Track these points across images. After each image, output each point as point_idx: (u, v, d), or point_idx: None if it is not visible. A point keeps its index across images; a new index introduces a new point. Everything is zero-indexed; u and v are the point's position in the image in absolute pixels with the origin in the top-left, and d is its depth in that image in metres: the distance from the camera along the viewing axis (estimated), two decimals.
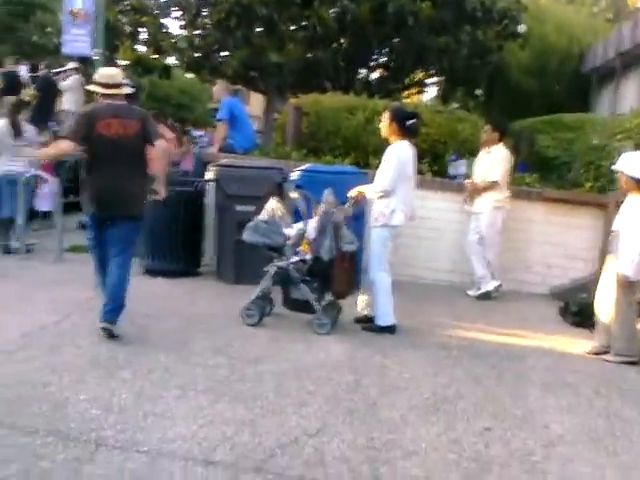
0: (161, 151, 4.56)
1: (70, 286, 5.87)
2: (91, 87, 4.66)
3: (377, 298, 5.08)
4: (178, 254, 6.47)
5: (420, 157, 6.03)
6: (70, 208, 8.06)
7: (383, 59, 13.70)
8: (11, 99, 7.71)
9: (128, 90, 4.77)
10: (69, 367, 3.92)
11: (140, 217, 4.62)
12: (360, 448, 3.13)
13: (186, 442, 3.05)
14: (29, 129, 7.30)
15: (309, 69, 11.72)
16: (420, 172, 6.65)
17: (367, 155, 7.60)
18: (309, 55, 12.00)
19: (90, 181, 4.51)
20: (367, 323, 5.14)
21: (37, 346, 4.24)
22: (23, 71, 11.40)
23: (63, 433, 3.04)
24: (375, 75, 14.17)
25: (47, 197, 8.13)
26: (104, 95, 4.51)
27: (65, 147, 4.49)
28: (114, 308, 4.48)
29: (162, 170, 4.71)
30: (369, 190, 5.17)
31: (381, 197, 5.04)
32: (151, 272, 6.46)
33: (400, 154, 5.04)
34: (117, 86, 4.54)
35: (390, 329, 5.03)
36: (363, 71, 13.58)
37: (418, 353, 4.68)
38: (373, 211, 5.15)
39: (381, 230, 5.05)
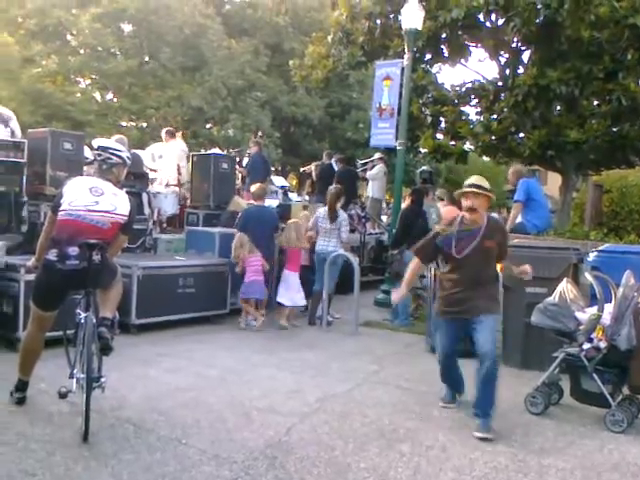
0: None
1: (362, 358, 6.29)
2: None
3: None
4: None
5: None
6: (368, 286, 8.68)
7: None
8: (332, 189, 8.69)
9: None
10: (355, 434, 4.17)
11: None
12: None
13: None
14: (340, 214, 8.10)
15: (613, 144, 10.97)
16: None
17: None
18: (614, 130, 11.24)
19: None
20: None
21: (329, 411, 4.60)
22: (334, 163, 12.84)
23: None
24: None
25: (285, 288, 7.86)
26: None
27: None
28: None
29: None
30: None
31: None
32: (436, 350, 6.55)
33: None
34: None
35: None
36: None
37: None
38: None
39: None
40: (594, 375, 4.52)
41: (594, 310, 4.70)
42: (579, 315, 4.76)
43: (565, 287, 4.91)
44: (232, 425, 4.21)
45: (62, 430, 3.94)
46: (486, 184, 4.58)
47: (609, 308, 4.64)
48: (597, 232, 7.24)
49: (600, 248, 6.05)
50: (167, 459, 3.62)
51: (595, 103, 11.48)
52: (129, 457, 3.61)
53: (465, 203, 4.55)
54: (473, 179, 4.63)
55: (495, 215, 5.09)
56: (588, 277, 5.10)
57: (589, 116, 11.14)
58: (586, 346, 4.62)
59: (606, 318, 4.62)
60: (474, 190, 4.52)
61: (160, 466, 3.53)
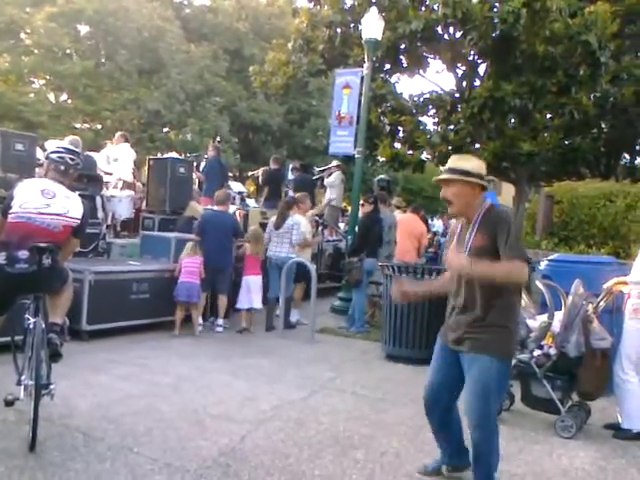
0: None
1: (318, 365, 6.28)
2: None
3: (624, 400, 4.55)
4: (419, 341, 6.54)
5: None
6: (325, 293, 8.68)
7: None
8: (286, 199, 8.76)
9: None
10: (310, 442, 4.15)
11: None
12: None
13: None
14: (289, 220, 8.10)
15: (565, 157, 11.29)
16: None
17: (628, 244, 6.99)
18: (566, 142, 11.57)
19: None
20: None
21: (284, 419, 4.57)
22: (288, 171, 12.87)
23: None
24: None
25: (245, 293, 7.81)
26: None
27: None
28: None
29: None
30: (631, 281, 4.72)
31: None
32: (391, 357, 6.63)
33: None
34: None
35: None
36: (626, 156, 12.65)
37: None
38: (632, 304, 4.68)
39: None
40: (544, 381, 4.62)
41: (544, 318, 4.80)
42: (530, 322, 4.86)
43: None
44: (185, 433, 4.14)
45: (7, 439, 3.80)
46: (466, 164, 3.36)
47: (559, 316, 4.75)
48: (548, 242, 7.43)
49: (551, 257, 6.20)
50: (117, 468, 3.54)
51: (548, 116, 11.81)
52: (78, 467, 3.51)
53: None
54: (450, 160, 3.47)
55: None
56: (539, 285, 5.23)
57: (542, 129, 11.44)
58: (536, 353, 4.72)
59: (556, 326, 4.73)
60: (443, 177, 3.40)
61: (110, 475, 3.45)
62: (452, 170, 3.37)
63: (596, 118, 11.30)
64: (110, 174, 9.94)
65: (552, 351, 4.67)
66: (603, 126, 12.12)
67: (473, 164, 3.38)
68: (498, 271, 3.12)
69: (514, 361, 4.77)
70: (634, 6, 11.13)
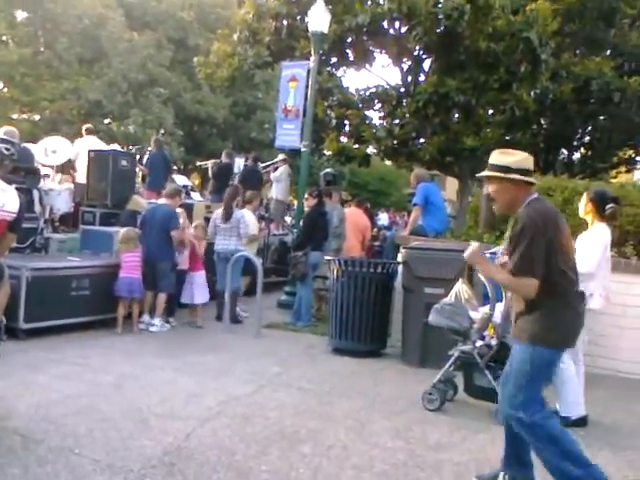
0: None
1: (265, 360, 6.25)
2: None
3: (561, 387, 4.71)
4: (365, 334, 6.59)
5: (624, 240, 5.60)
6: (271, 287, 8.64)
7: (587, 138, 13.10)
8: (229, 188, 8.65)
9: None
10: (256, 437, 4.12)
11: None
12: None
13: None
14: (236, 213, 8.06)
15: None
16: (624, 255, 6.12)
17: None
18: (507, 138, 11.87)
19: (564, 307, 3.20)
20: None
21: (230, 415, 4.52)
22: (237, 163, 12.71)
23: None
24: (577, 155, 13.56)
25: (199, 288, 7.79)
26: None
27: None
28: None
29: None
30: None
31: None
32: (338, 351, 6.65)
33: (600, 237, 4.80)
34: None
35: (580, 421, 4.58)
36: (564, 151, 13.10)
37: (616, 456, 4.18)
38: None
39: None
40: (486, 371, 4.73)
41: (486, 309, 4.91)
42: (473, 314, 4.95)
43: (460, 287, 5.10)
44: (128, 433, 4.04)
45: None
46: (507, 159, 3.25)
47: (500, 307, 4.86)
48: (490, 235, 7.58)
49: (492, 250, 6.32)
50: (58, 471, 3.42)
51: (490, 112, 12.08)
52: (16, 471, 3.38)
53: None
54: (492, 155, 3.34)
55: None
56: (481, 277, 5.32)
57: (484, 124, 11.69)
58: (479, 344, 4.83)
59: (497, 317, 4.84)
60: (483, 174, 3.35)
61: (50, 478, 3.33)
62: (492, 166, 3.29)
63: (536, 114, 11.62)
64: (50, 167, 9.62)
65: (493, 342, 4.78)
66: (543, 122, 12.50)
67: (515, 159, 3.25)
68: (506, 280, 3.24)
69: (457, 352, 4.89)
70: (573, 4, 11.48)
